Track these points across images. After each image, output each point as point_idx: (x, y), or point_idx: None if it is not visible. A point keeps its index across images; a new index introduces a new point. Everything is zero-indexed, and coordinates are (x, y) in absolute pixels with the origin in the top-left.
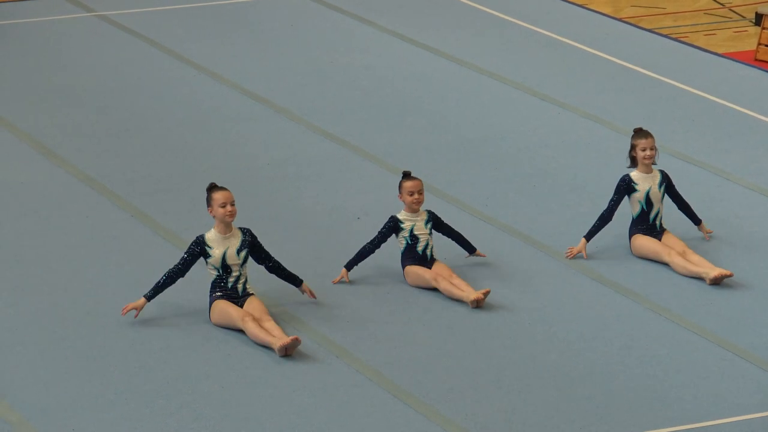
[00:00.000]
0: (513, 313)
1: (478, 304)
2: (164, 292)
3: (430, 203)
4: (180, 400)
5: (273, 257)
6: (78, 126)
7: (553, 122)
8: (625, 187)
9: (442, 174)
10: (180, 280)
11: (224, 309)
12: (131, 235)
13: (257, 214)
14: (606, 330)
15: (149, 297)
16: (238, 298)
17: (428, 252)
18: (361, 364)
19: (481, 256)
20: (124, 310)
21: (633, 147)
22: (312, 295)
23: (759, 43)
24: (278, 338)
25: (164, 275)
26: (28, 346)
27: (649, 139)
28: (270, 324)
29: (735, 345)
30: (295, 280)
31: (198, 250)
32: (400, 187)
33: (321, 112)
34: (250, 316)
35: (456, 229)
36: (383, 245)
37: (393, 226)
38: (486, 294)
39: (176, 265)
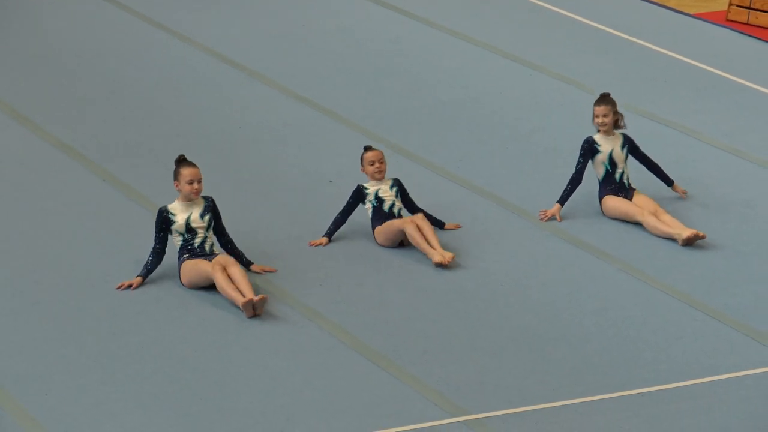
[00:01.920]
0: (486, 275)
1: (441, 265)
2: (149, 266)
3: (404, 166)
4: (155, 365)
5: (227, 233)
6: (50, 91)
7: (526, 84)
8: (589, 148)
9: (416, 136)
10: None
11: (194, 265)
12: (104, 200)
13: (231, 177)
14: (579, 292)
15: (144, 276)
16: (207, 256)
17: (395, 211)
18: (334, 326)
19: (449, 228)
20: (122, 287)
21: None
22: (265, 270)
23: (730, 4)
24: (244, 295)
25: (150, 255)
26: (2, 311)
27: (602, 107)
28: (239, 275)
29: (708, 306)
30: (241, 260)
31: (162, 220)
32: (361, 160)
33: (295, 76)
34: (220, 265)
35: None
36: (354, 213)
37: (358, 195)
38: (450, 261)
39: (155, 245)
